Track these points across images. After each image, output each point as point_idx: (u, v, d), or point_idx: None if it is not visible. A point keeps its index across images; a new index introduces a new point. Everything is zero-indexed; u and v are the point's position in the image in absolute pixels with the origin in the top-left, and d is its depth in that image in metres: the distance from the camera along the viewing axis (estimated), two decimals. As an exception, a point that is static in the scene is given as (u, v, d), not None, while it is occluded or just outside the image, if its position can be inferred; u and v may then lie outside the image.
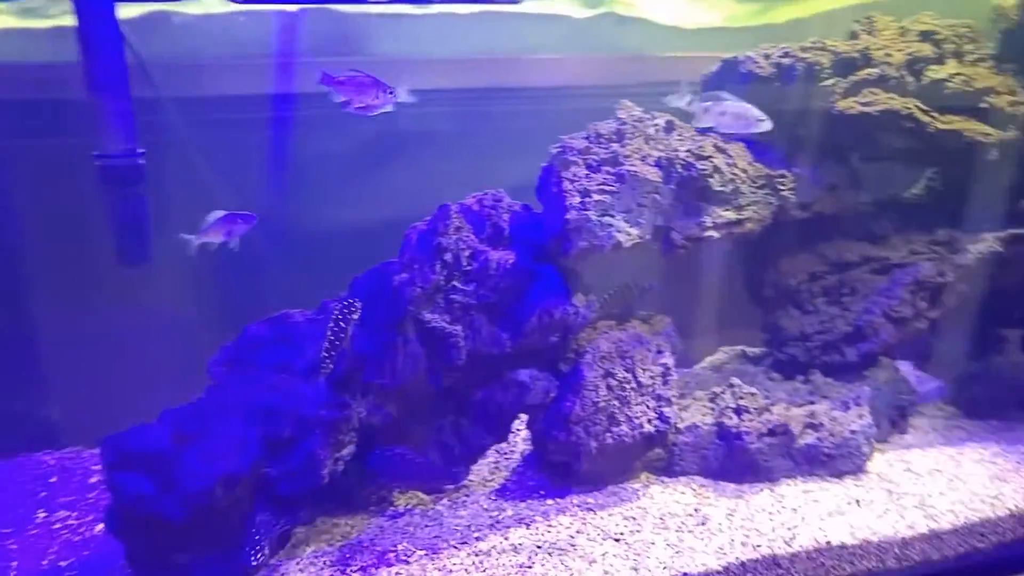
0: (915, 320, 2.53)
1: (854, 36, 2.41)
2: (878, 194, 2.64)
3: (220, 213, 2.25)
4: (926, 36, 2.38)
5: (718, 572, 2.11)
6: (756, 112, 1.97)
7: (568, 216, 2.13)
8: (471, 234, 2.19)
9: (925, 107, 2.28)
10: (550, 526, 2.30)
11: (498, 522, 2.34)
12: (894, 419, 2.67)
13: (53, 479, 2.63)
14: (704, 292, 2.85)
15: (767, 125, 1.98)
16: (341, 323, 2.00)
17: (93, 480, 2.60)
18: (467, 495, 2.51)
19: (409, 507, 2.47)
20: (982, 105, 2.38)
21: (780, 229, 2.44)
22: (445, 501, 2.49)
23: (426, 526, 2.35)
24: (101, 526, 2.37)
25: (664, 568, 2.10)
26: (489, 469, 2.66)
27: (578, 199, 2.13)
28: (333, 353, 1.98)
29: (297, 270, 2.89)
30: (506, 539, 2.24)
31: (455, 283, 2.17)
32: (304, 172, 2.81)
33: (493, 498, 2.49)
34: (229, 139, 2.64)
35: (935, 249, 2.52)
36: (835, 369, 2.57)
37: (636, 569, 2.10)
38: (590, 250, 2.17)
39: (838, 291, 2.55)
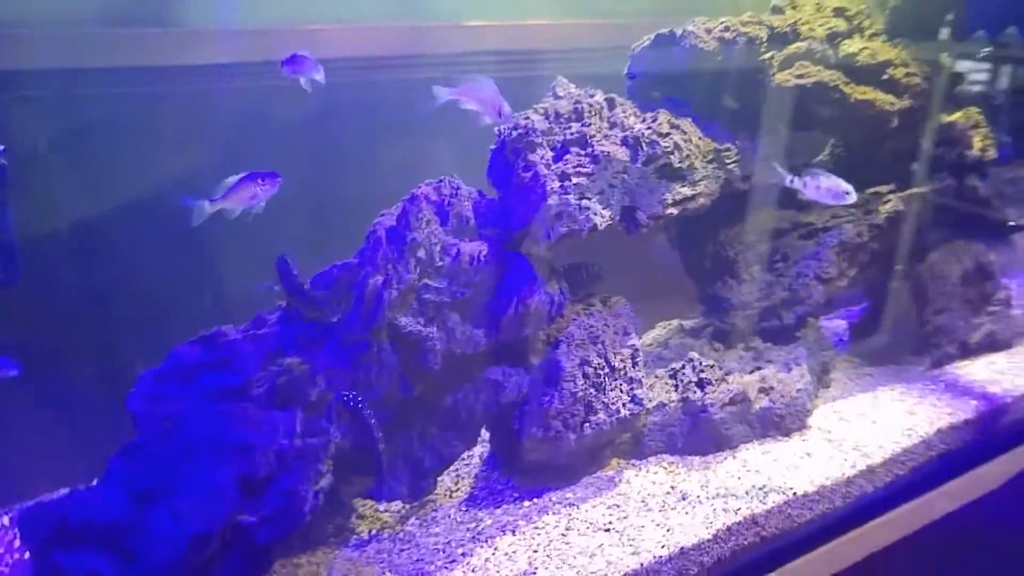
0: (839, 279, 2.76)
1: (779, 11, 2.55)
2: (794, 162, 2.83)
3: (236, 176, 1.92)
4: (839, 12, 2.58)
5: (709, 540, 2.20)
6: (845, 184, 2.38)
7: (550, 201, 2.05)
8: (439, 226, 2.06)
9: (847, 79, 2.48)
10: (537, 528, 2.24)
11: (480, 534, 2.24)
12: (819, 375, 2.90)
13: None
14: (636, 268, 2.90)
15: (853, 196, 2.41)
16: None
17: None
18: (435, 510, 2.38)
19: (374, 532, 2.29)
20: (883, 77, 2.62)
21: (719, 202, 2.54)
22: (413, 520, 2.33)
23: (401, 550, 2.19)
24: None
25: (662, 547, 2.14)
26: (451, 478, 2.53)
27: (558, 183, 2.06)
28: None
29: (189, 278, 2.58)
30: (496, 549, 2.15)
31: (427, 281, 2.03)
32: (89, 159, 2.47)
33: (464, 509, 2.38)
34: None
35: (851, 212, 2.75)
36: (774, 333, 2.73)
37: (637, 553, 2.11)
38: (569, 236, 2.12)
39: (771, 258, 2.71)
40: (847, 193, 2.36)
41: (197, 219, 1.91)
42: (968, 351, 3.23)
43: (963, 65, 3.06)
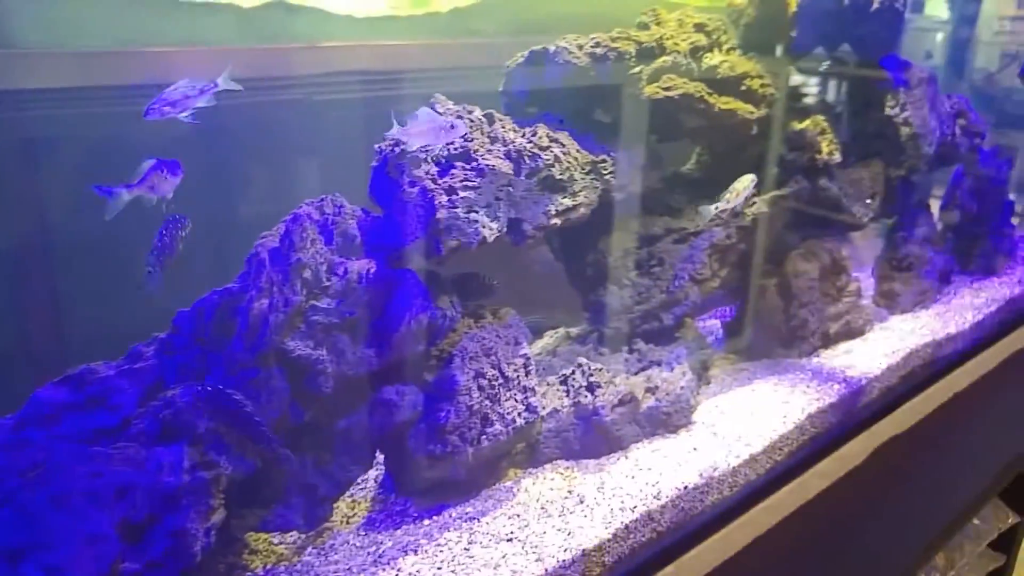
0: (712, 280, 2.95)
1: (645, 27, 2.70)
2: (664, 171, 3.00)
3: (149, 162, 1.82)
4: (699, 27, 2.76)
5: (609, 540, 2.29)
6: (747, 178, 2.72)
7: (439, 215, 2.08)
8: (324, 246, 2.03)
9: (710, 90, 2.66)
10: (439, 545, 2.24)
11: (381, 556, 2.22)
12: (699, 373, 3.07)
13: None
14: (518, 281, 2.97)
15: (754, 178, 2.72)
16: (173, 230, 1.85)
17: None
18: (333, 537, 2.33)
19: (269, 566, 2.22)
20: (742, 88, 2.83)
21: (597, 212, 2.65)
22: (310, 550, 2.28)
23: (299, 582, 2.14)
24: None
25: (565, 550, 2.20)
26: (347, 504, 2.49)
27: (446, 197, 2.09)
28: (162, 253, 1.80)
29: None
30: (399, 571, 2.14)
31: (315, 302, 2.00)
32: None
33: (364, 533, 2.35)
34: None
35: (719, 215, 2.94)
36: (654, 335, 2.87)
37: (540, 559, 2.16)
38: (459, 249, 2.15)
39: (648, 263, 2.85)
40: (754, 182, 2.69)
41: (112, 211, 1.79)
42: (829, 340, 3.52)
43: (809, 77, 3.36)
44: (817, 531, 3.19)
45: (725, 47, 2.86)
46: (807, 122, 3.16)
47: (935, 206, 4.35)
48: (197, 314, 1.99)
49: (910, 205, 3.88)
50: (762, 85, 2.88)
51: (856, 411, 3.30)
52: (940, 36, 5.72)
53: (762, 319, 3.37)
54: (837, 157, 3.25)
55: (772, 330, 3.39)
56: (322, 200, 2.13)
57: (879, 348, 3.53)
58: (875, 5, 3.14)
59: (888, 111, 3.46)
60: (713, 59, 2.73)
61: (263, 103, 2.76)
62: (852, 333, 3.61)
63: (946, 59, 5.63)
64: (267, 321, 1.87)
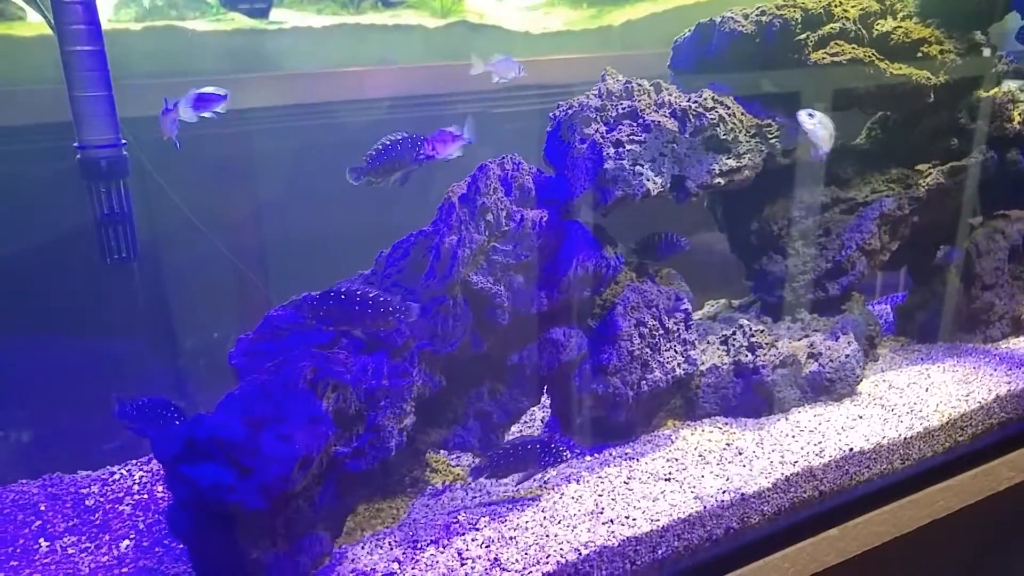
0: (881, 252, 3.04)
1: (814, -5, 2.89)
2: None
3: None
4: (870, -6, 2.91)
5: (769, 488, 2.46)
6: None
7: (607, 166, 2.40)
8: (504, 195, 2.41)
9: (880, 56, 2.79)
10: (600, 478, 2.53)
11: (546, 483, 2.54)
12: (866, 348, 3.15)
13: (42, 506, 2.53)
14: (686, 265, 3.18)
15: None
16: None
17: (90, 503, 2.54)
18: (503, 465, 2.69)
19: (448, 484, 2.62)
20: (918, 55, 2.92)
21: (762, 178, 2.85)
22: (484, 473, 2.65)
23: (474, 497, 2.51)
24: (127, 543, 2.33)
25: (723, 492, 2.41)
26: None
27: (613, 150, 2.41)
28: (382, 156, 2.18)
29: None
30: (563, 495, 2.45)
31: (495, 243, 2.37)
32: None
33: (530, 463, 2.69)
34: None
35: (891, 186, 3.04)
36: (819, 305, 3.01)
37: (699, 498, 2.39)
38: (624, 200, 2.45)
39: (814, 232, 3.00)
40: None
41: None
42: (1022, 328, 3.45)
43: (1002, 44, 3.33)
44: (1006, 528, 3.11)
45: (900, 14, 2.97)
46: (995, 89, 3.16)
47: None
48: (396, 252, 2.42)
49: None
50: (942, 51, 2.96)
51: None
52: None
53: (939, 301, 3.37)
54: (1032, 128, 3.21)
55: (951, 313, 3.38)
56: (503, 157, 2.50)
57: (1093, 341, 3.40)
58: (1078, -35, 3.09)
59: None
60: (885, 25, 2.85)
61: (444, 117, 3.19)
62: (1053, 322, 3.51)
63: None
64: (456, 255, 2.27)
